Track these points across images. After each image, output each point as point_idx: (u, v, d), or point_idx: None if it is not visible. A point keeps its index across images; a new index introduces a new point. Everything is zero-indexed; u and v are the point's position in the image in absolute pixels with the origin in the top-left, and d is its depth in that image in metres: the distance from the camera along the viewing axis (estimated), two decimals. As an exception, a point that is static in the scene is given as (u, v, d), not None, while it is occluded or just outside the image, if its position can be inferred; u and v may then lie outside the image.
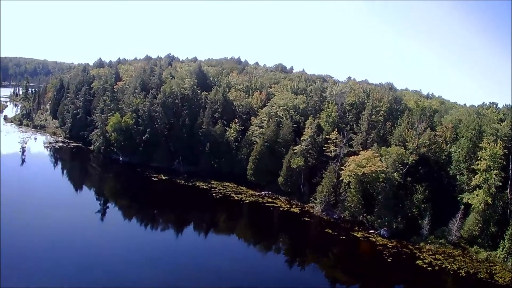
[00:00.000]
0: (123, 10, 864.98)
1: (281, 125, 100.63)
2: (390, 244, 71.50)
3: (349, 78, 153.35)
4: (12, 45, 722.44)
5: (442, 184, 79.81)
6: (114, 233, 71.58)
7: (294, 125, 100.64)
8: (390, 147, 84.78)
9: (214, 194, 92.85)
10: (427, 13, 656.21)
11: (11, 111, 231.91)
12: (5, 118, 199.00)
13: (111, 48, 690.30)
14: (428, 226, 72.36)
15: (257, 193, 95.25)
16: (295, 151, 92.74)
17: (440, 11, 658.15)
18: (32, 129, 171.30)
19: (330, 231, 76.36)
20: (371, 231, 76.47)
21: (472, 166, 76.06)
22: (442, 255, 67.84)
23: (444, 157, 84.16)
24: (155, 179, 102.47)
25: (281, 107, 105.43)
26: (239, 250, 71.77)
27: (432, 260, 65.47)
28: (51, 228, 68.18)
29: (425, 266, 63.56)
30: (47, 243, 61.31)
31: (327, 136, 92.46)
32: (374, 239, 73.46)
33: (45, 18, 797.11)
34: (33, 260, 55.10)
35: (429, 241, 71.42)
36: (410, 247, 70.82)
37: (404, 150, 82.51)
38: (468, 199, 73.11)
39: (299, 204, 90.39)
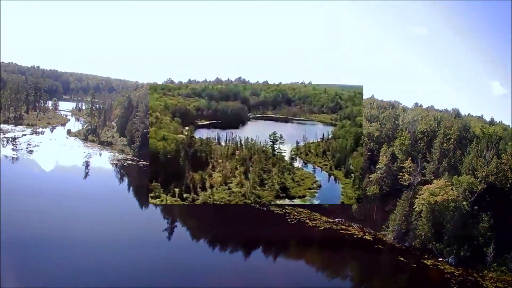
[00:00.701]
0: (186, 32, 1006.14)
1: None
2: (457, 272, 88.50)
3: (416, 104, 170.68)
4: (74, 61, 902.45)
5: (506, 213, 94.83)
6: (180, 251, 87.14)
7: (369, 153, 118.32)
8: (461, 175, 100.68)
9: (288, 220, 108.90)
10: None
11: (73, 125, 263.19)
12: (69, 132, 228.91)
13: (176, 68, 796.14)
14: (492, 254, 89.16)
15: (331, 220, 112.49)
16: (371, 179, 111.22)
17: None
18: (98, 145, 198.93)
19: (402, 259, 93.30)
20: (439, 259, 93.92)
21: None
22: (503, 282, 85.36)
23: (509, 185, 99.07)
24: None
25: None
26: (305, 274, 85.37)
27: (494, 287, 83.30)
28: (114, 242, 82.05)
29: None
30: (108, 257, 75.20)
31: (401, 165, 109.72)
32: (442, 267, 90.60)
33: (112, 37, 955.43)
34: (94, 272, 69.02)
35: (492, 269, 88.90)
36: (475, 275, 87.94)
37: (474, 179, 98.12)
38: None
39: (372, 231, 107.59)
